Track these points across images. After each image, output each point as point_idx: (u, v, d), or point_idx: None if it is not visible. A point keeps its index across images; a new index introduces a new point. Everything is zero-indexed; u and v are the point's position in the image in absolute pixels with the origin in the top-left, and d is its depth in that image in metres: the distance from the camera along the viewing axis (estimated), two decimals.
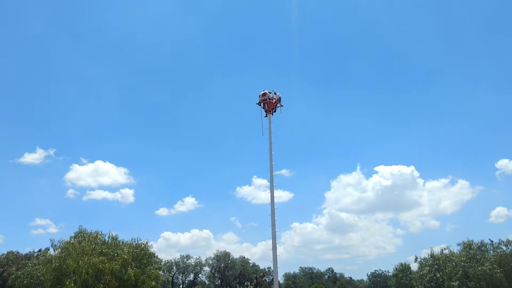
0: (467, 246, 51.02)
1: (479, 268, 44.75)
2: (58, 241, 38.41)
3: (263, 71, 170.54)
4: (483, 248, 50.64)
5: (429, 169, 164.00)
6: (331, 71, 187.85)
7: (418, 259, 58.80)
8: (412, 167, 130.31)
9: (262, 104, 32.40)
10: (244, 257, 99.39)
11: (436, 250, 55.64)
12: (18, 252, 78.94)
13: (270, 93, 32.68)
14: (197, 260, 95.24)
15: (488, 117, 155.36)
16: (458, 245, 53.92)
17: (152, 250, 42.30)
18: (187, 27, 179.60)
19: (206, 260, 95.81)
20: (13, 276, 46.97)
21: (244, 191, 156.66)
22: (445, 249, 54.68)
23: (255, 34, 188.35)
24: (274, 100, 32.45)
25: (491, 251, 49.94)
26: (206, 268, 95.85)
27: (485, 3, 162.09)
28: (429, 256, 55.36)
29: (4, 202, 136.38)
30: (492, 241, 51.08)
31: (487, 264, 45.15)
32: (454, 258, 49.83)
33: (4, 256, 77.00)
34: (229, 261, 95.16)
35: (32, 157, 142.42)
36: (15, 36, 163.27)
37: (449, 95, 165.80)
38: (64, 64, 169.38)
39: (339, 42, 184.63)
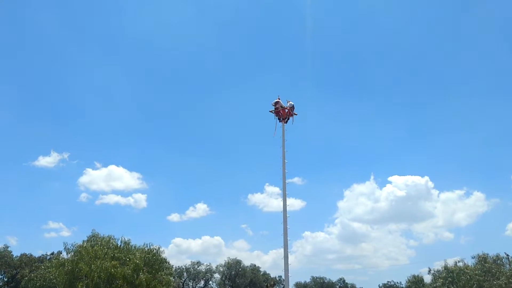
0: (482, 259, 50.20)
1: (495, 282, 43.99)
2: (71, 245, 38.79)
3: (278, 78, 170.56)
4: (498, 261, 49.78)
5: (444, 180, 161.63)
6: (346, 79, 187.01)
7: (432, 271, 58.17)
8: (426, 178, 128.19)
9: (275, 112, 32.38)
10: (255, 265, 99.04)
11: (450, 262, 54.81)
12: (31, 255, 79.73)
13: (289, 103, 32.65)
14: (208, 267, 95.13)
15: (505, 128, 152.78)
16: (472, 258, 53.14)
17: (163, 255, 42.49)
18: (202, 32, 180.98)
19: (216, 267, 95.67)
20: (26, 278, 47.62)
21: (256, 198, 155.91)
22: (459, 261, 53.90)
23: (269, 40, 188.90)
24: (287, 109, 32.40)
25: (507, 265, 49.10)
26: (217, 275, 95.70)
27: (503, 13, 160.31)
28: (443, 269, 54.59)
29: (17, 205, 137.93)
30: (508, 255, 50.25)
31: (503, 278, 44.35)
32: (468, 271, 49.03)
33: (18, 258, 77.83)
34: (240, 269, 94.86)
35: (47, 161, 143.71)
36: (30, 39, 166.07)
37: (465, 105, 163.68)
38: (79, 68, 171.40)
39: (355, 50, 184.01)
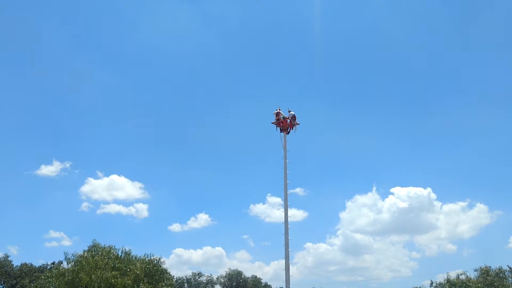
0: (485, 272, 49.97)
1: None
2: (72, 255, 38.66)
3: (280, 88, 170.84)
4: (501, 275, 49.52)
5: (447, 191, 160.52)
6: (348, 90, 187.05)
7: (434, 284, 57.81)
8: (429, 189, 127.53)
9: (276, 122, 32.51)
10: (256, 277, 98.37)
11: (452, 275, 54.39)
12: (32, 264, 79.55)
13: (290, 113, 32.72)
14: (209, 278, 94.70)
15: (508, 140, 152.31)
16: (475, 270, 52.93)
17: (164, 266, 42.33)
18: (207, 43, 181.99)
19: (217, 278, 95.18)
20: None
21: (258, 209, 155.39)
22: (461, 274, 53.55)
23: (272, 50, 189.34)
24: (288, 119, 32.51)
25: (510, 278, 48.80)
26: (218, 287, 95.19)
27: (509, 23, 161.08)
28: (445, 281, 54.23)
29: (19, 214, 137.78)
30: (510, 267, 50.00)
31: None
32: (470, 284, 48.70)
33: (18, 268, 77.64)
34: (241, 280, 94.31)
35: (49, 170, 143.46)
36: (34, 48, 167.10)
37: (469, 116, 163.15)
38: (82, 77, 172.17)
39: (358, 61, 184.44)
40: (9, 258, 79.19)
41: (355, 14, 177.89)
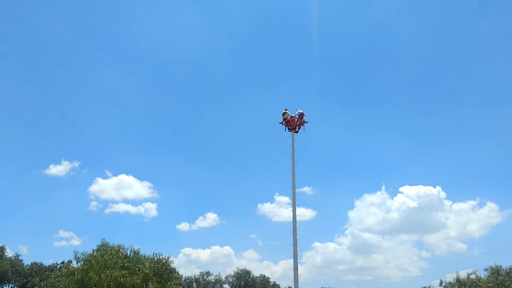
0: (495, 271, 49.56)
1: None
2: (81, 254, 39.03)
3: (288, 87, 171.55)
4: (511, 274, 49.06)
5: (457, 190, 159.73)
6: (355, 88, 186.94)
7: (444, 283, 57.43)
8: (438, 188, 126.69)
9: (284, 122, 32.36)
10: (264, 276, 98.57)
11: (462, 274, 54.09)
12: (42, 264, 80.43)
13: (298, 111, 32.57)
14: (217, 277, 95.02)
15: None
16: (485, 270, 52.66)
17: (172, 265, 42.52)
18: (213, 44, 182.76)
19: (226, 278, 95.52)
20: (37, 287, 47.83)
21: (266, 208, 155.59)
22: (471, 273, 53.20)
23: (279, 50, 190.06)
24: (296, 118, 32.31)
25: None
26: (226, 286, 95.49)
27: None
28: (455, 281, 53.87)
29: (28, 214, 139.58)
30: None
31: None
32: (481, 284, 48.30)
33: (28, 267, 78.48)
34: (249, 279, 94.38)
35: (57, 169, 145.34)
36: (43, 48, 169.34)
37: (477, 113, 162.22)
38: (90, 77, 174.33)
39: (364, 58, 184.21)
40: (19, 258, 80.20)
41: (364, 13, 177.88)
